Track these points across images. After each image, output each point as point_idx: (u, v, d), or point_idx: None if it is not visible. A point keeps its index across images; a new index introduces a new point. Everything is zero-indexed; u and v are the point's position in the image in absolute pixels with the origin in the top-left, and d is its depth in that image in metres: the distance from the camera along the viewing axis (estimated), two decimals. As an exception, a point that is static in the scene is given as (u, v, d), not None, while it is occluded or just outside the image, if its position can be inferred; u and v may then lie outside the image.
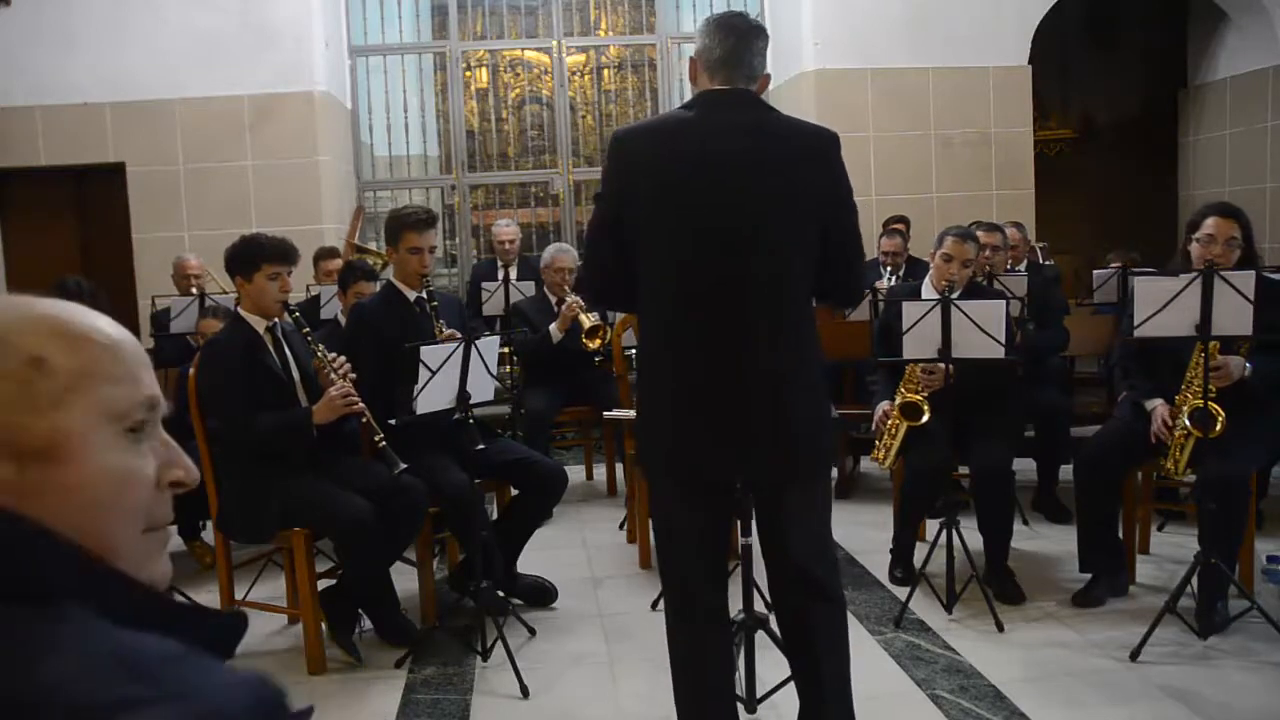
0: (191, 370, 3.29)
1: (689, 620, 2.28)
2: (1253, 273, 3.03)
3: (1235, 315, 2.97)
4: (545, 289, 5.11)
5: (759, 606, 2.59)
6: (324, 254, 5.44)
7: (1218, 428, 3.14)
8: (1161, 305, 3.04)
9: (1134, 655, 3.01)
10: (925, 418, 3.60)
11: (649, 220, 2.15)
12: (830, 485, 2.35)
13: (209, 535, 4.01)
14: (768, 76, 2.24)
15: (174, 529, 0.86)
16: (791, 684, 2.40)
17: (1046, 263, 6.21)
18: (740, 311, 2.13)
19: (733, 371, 2.13)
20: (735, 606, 2.70)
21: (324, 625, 3.27)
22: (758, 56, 2.18)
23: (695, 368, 2.15)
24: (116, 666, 0.64)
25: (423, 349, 3.07)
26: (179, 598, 0.94)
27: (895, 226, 5.87)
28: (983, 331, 3.33)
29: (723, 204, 2.11)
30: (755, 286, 2.13)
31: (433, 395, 3.10)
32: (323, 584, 3.34)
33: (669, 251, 2.15)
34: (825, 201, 2.17)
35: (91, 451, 0.74)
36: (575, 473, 5.12)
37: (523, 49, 8.55)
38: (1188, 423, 3.23)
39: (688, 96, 2.30)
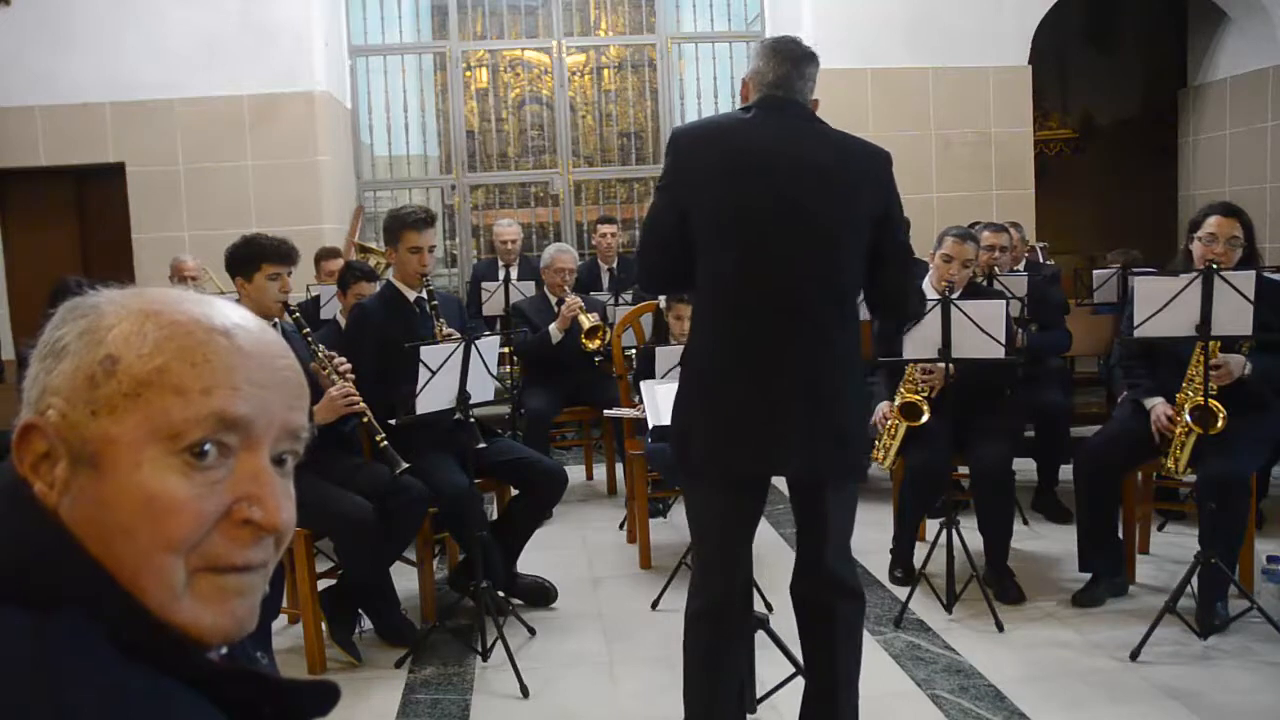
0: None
1: (718, 621, 2.25)
2: (1253, 273, 3.03)
3: (1235, 315, 2.97)
4: (545, 289, 5.11)
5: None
6: (325, 254, 5.44)
7: (1219, 424, 3.14)
8: (1162, 305, 3.04)
9: (1134, 655, 3.01)
10: (925, 418, 3.60)
11: (707, 216, 2.16)
12: (857, 489, 2.36)
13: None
14: (817, 101, 2.29)
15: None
16: (791, 684, 2.40)
17: (1046, 263, 6.21)
18: (796, 309, 2.15)
19: (783, 369, 2.14)
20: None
21: (324, 625, 3.27)
22: (809, 81, 2.25)
23: (745, 364, 2.16)
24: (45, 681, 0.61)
25: (423, 349, 3.07)
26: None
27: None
28: (983, 331, 3.33)
29: (780, 204, 2.13)
30: (812, 285, 2.15)
31: (433, 395, 3.10)
32: (323, 584, 3.34)
33: (724, 249, 2.16)
34: (879, 210, 2.20)
35: (131, 468, 0.68)
36: (575, 473, 5.11)
37: (523, 49, 8.54)
38: (1189, 419, 3.24)
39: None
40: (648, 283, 2.47)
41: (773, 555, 4.05)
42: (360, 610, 3.40)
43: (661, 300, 4.39)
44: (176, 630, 0.69)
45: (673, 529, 4.53)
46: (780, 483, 2.53)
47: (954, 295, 3.49)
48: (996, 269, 4.50)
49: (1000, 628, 3.27)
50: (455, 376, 3.13)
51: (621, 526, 4.56)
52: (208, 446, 0.70)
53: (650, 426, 3.53)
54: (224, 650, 0.75)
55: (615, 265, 6.22)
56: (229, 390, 0.70)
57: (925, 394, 3.64)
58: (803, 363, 2.15)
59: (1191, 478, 3.43)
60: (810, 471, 2.22)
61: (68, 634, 0.64)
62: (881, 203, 2.21)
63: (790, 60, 2.22)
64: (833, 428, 2.17)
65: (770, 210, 2.13)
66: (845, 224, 2.17)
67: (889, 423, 3.71)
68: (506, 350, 5.13)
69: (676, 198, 2.19)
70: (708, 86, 7.69)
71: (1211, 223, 3.30)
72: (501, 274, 5.56)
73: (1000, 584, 3.53)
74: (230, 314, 0.75)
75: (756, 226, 2.14)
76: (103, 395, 0.69)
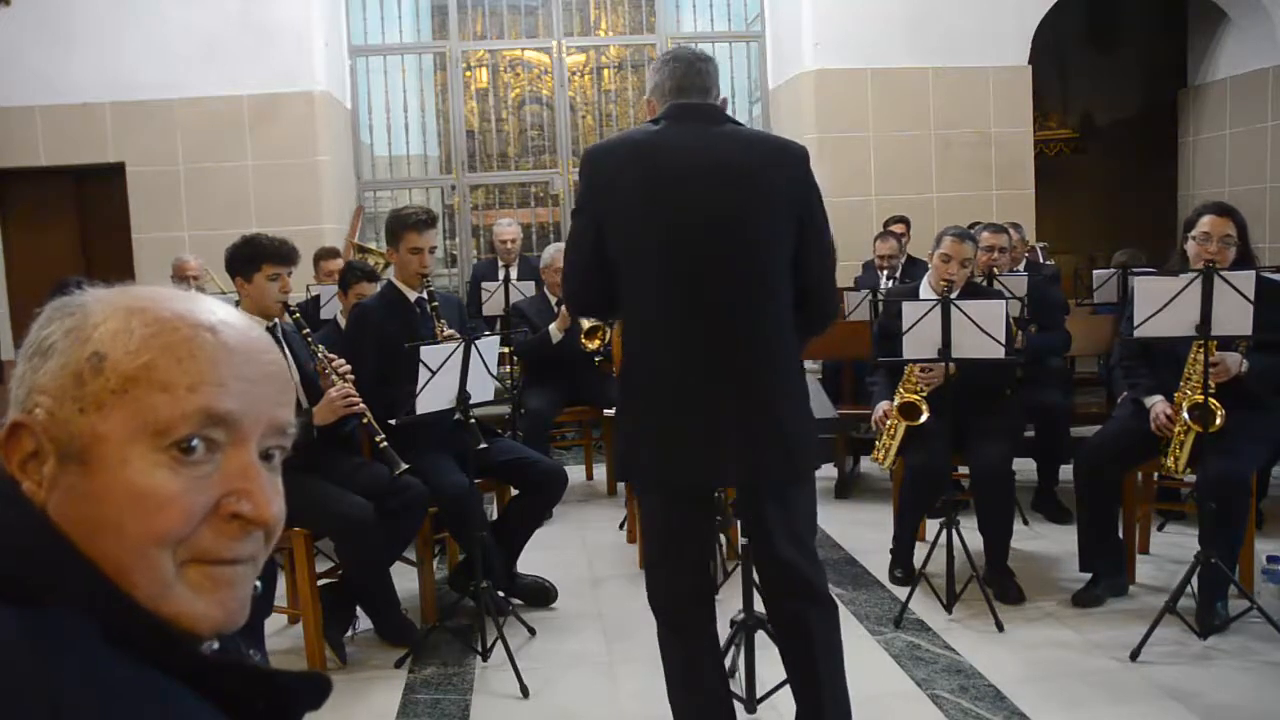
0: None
1: (683, 633, 2.27)
2: (1253, 273, 3.04)
3: (1235, 315, 2.97)
4: (545, 289, 5.11)
5: (759, 607, 2.59)
6: (325, 254, 5.44)
7: (1217, 422, 3.15)
8: (1161, 305, 3.04)
9: (1134, 655, 3.01)
10: (924, 417, 3.60)
11: (628, 231, 2.15)
12: (814, 488, 2.35)
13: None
14: (725, 100, 2.27)
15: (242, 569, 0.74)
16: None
17: (1046, 263, 6.22)
18: (726, 315, 2.13)
19: (718, 375, 2.13)
20: (735, 606, 2.72)
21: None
22: (710, 80, 2.23)
23: (678, 374, 2.14)
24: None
25: (423, 349, 3.07)
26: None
27: (891, 229, 5.87)
28: (982, 331, 3.33)
29: (701, 210, 2.11)
30: (740, 289, 2.13)
31: (433, 395, 3.10)
32: (323, 584, 3.34)
33: (648, 261, 2.15)
34: (800, 206, 2.18)
35: (119, 464, 0.69)
36: (575, 473, 5.12)
37: (523, 49, 8.55)
38: (1187, 417, 3.24)
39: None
40: (576, 308, 2.43)
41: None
42: (359, 610, 3.40)
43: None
44: (168, 623, 0.70)
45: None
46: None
47: (953, 295, 3.48)
48: (995, 269, 4.50)
49: (1000, 628, 3.27)
50: (455, 377, 3.13)
51: (621, 526, 4.56)
52: (195, 442, 0.70)
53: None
54: (215, 645, 0.76)
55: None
56: (215, 386, 0.71)
57: (923, 393, 3.64)
58: (737, 368, 2.13)
59: (1191, 478, 3.43)
60: (753, 476, 2.19)
61: (60, 631, 0.64)
62: (802, 199, 2.18)
63: (685, 64, 2.20)
64: (772, 430, 2.14)
65: (691, 217, 2.11)
66: (768, 223, 2.14)
67: (889, 423, 3.71)
68: (506, 350, 5.13)
69: (595, 216, 2.17)
70: (708, 86, 7.68)
71: (1205, 222, 3.31)
72: (501, 274, 5.56)
73: (1000, 584, 3.52)
74: (216, 310, 0.75)
75: (678, 234, 2.11)
76: (90, 392, 0.70)
